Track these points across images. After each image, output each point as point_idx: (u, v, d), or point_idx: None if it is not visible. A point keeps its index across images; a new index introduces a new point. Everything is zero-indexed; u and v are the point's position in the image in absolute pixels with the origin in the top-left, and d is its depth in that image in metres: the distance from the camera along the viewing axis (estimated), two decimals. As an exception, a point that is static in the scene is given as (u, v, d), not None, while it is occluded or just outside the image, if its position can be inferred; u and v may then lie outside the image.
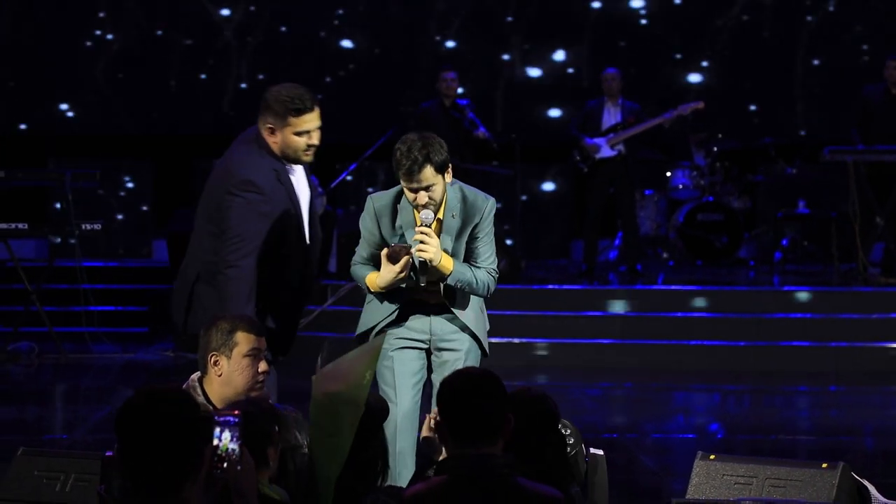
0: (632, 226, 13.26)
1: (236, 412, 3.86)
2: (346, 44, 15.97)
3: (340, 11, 15.95)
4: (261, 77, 15.86)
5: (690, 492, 5.18)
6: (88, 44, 15.90)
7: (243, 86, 15.95)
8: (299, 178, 5.66)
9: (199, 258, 5.63)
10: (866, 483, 5.09)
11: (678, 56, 15.98)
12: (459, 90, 13.15)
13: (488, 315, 5.81)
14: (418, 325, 5.61)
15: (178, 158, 16.01)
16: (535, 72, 15.98)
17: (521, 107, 15.84)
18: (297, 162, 5.60)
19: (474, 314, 5.63)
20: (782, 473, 5.07)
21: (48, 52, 15.83)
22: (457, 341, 5.61)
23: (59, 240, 12.23)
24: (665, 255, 14.47)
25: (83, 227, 11.93)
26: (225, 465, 3.78)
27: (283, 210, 5.53)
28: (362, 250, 5.59)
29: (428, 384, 5.69)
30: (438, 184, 5.42)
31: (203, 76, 16.03)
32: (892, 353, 11.41)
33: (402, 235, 5.52)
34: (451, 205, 5.52)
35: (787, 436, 9.14)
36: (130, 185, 16.04)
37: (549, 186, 16.23)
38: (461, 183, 5.64)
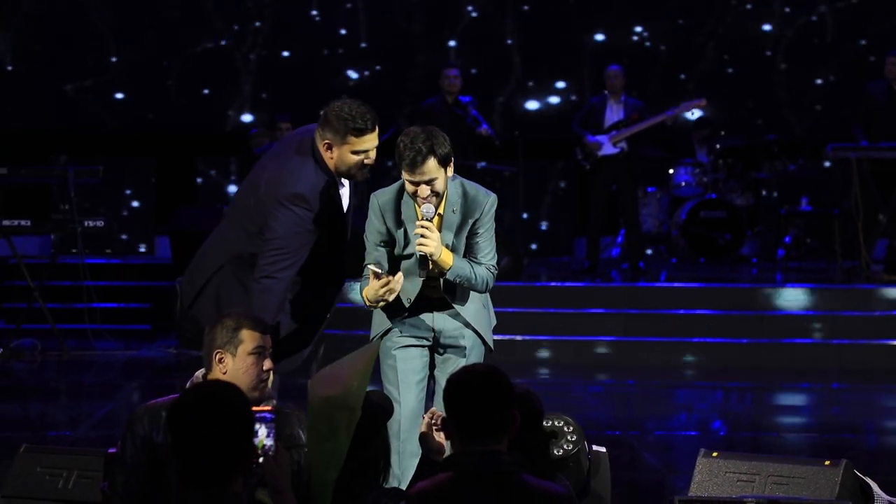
0: (634, 223, 13.25)
1: (271, 408, 3.90)
2: (346, 44, 15.99)
3: (349, 5, 15.95)
4: (263, 77, 15.86)
5: (693, 489, 5.18)
6: (92, 41, 15.90)
7: (248, 85, 15.95)
8: (345, 191, 5.66)
9: (227, 249, 5.61)
10: (869, 480, 5.09)
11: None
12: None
13: (494, 315, 5.80)
14: (421, 322, 5.60)
15: (181, 156, 16.01)
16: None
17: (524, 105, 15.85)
18: (350, 178, 5.59)
19: (475, 309, 5.62)
20: (785, 471, 5.07)
21: (51, 50, 15.83)
22: (460, 338, 5.60)
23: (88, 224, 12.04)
24: (667, 253, 14.46)
25: (86, 223, 11.92)
26: (261, 459, 3.82)
27: (328, 227, 5.53)
28: (368, 259, 5.57)
29: (430, 381, 5.69)
30: (440, 177, 5.40)
31: (205, 75, 16.02)
32: (894, 351, 11.40)
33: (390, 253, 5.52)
34: (452, 200, 5.51)
35: (790, 433, 9.14)
36: (133, 182, 16.04)
37: (551, 184, 16.23)
38: (462, 178, 5.64)
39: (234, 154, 15.47)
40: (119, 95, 15.93)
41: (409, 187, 5.42)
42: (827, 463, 5.03)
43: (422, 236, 5.37)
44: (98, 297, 12.18)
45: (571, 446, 4.74)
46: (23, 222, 11.87)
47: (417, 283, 5.52)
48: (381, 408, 4.60)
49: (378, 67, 15.85)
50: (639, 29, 15.98)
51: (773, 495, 4.92)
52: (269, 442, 3.88)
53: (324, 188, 5.50)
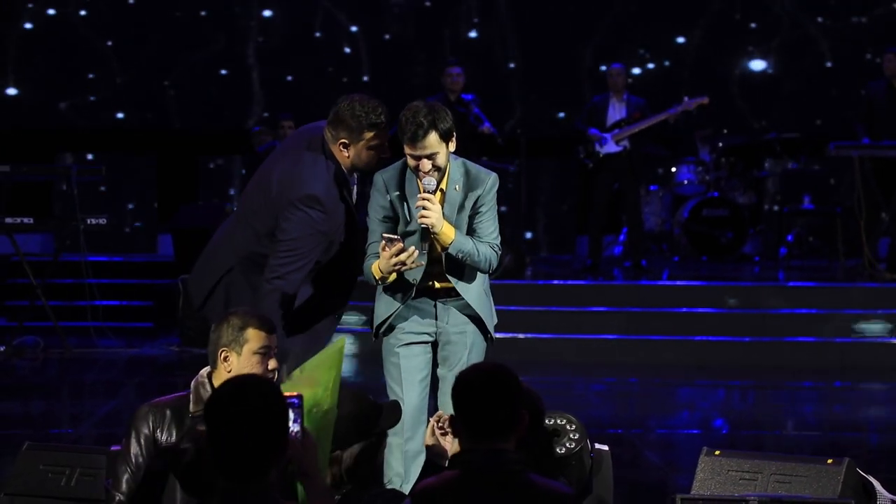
0: (636, 221, 13.25)
1: (297, 393, 3.94)
2: (349, 43, 15.99)
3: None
4: (265, 77, 15.87)
5: (695, 487, 5.18)
6: (94, 39, 15.90)
7: (253, 83, 15.96)
8: (353, 188, 5.66)
9: (237, 250, 5.59)
10: (871, 479, 5.09)
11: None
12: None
13: (495, 311, 5.80)
14: (424, 317, 5.60)
15: (183, 154, 16.02)
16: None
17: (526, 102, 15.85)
18: (362, 173, 5.59)
19: (477, 293, 5.58)
20: (787, 469, 5.07)
21: (53, 48, 15.84)
22: (463, 335, 5.59)
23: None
24: (670, 251, 14.46)
25: (88, 221, 11.93)
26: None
27: (340, 228, 5.52)
28: (371, 239, 5.56)
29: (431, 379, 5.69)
30: (442, 152, 5.40)
31: (208, 73, 16.03)
32: (897, 349, 11.42)
33: (395, 229, 5.51)
34: (454, 178, 5.51)
35: (792, 431, 9.14)
36: (135, 180, 16.05)
37: (553, 182, 16.23)
38: (464, 159, 5.64)
39: (236, 152, 15.48)
40: (121, 95, 15.94)
41: (411, 161, 5.41)
42: (829, 461, 5.03)
43: (423, 208, 5.36)
44: (100, 294, 12.18)
45: (574, 444, 4.74)
46: (25, 220, 11.87)
47: (422, 260, 5.47)
48: (366, 416, 4.57)
49: (379, 67, 15.87)
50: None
51: (775, 493, 4.92)
52: (295, 426, 3.92)
53: (337, 188, 5.49)
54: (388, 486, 4.78)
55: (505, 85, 15.94)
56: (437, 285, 5.57)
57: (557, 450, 4.72)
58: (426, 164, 5.38)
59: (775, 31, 15.98)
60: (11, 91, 15.91)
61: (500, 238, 5.57)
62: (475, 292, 5.58)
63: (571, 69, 15.88)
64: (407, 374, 5.57)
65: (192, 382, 4.67)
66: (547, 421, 4.69)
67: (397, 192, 5.50)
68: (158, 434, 4.52)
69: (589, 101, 13.40)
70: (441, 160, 5.40)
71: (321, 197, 5.43)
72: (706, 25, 15.97)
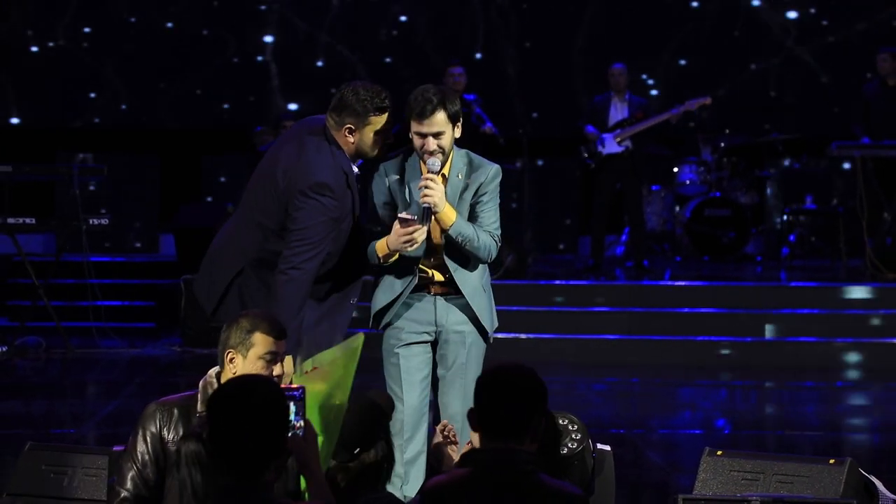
0: (638, 221, 13.25)
1: (300, 386, 3.99)
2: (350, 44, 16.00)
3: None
4: (266, 76, 15.87)
5: (697, 487, 5.18)
6: (96, 38, 15.91)
7: (255, 81, 15.97)
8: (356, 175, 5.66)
9: (245, 251, 5.55)
10: (873, 479, 5.09)
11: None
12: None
13: (496, 313, 5.79)
14: (423, 316, 5.59)
15: (185, 154, 16.02)
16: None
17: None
18: (366, 158, 5.58)
19: (474, 285, 5.56)
20: (789, 469, 5.06)
21: (54, 47, 15.84)
22: (460, 334, 5.58)
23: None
24: (672, 251, 14.46)
25: (90, 221, 11.93)
26: (290, 435, 3.86)
27: (349, 215, 5.51)
28: (374, 225, 5.57)
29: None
30: (448, 133, 5.42)
31: (210, 72, 16.04)
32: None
33: (410, 202, 5.50)
34: (457, 165, 5.53)
35: (794, 431, 9.13)
36: (137, 180, 16.05)
37: (555, 182, 16.23)
38: (468, 150, 5.65)
39: (239, 152, 15.49)
40: (123, 95, 15.95)
41: (417, 141, 5.43)
42: (831, 461, 5.03)
43: (426, 188, 5.37)
44: (102, 294, 12.18)
45: (576, 445, 4.74)
46: (27, 220, 11.88)
47: (422, 247, 5.48)
48: (381, 408, 4.58)
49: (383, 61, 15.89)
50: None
51: (777, 494, 4.92)
52: (298, 420, 3.92)
53: (343, 175, 5.48)
54: (388, 488, 4.77)
55: (505, 85, 15.94)
56: (437, 277, 5.57)
57: (559, 450, 4.72)
58: (431, 143, 5.39)
59: (775, 30, 15.98)
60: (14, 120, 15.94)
61: (500, 230, 5.57)
62: (472, 285, 5.56)
63: (572, 69, 15.89)
64: (406, 375, 5.57)
65: (201, 382, 4.66)
66: (548, 421, 4.69)
67: (397, 177, 5.52)
68: (165, 433, 4.52)
69: (591, 102, 13.39)
70: (446, 141, 5.42)
71: (331, 183, 5.42)
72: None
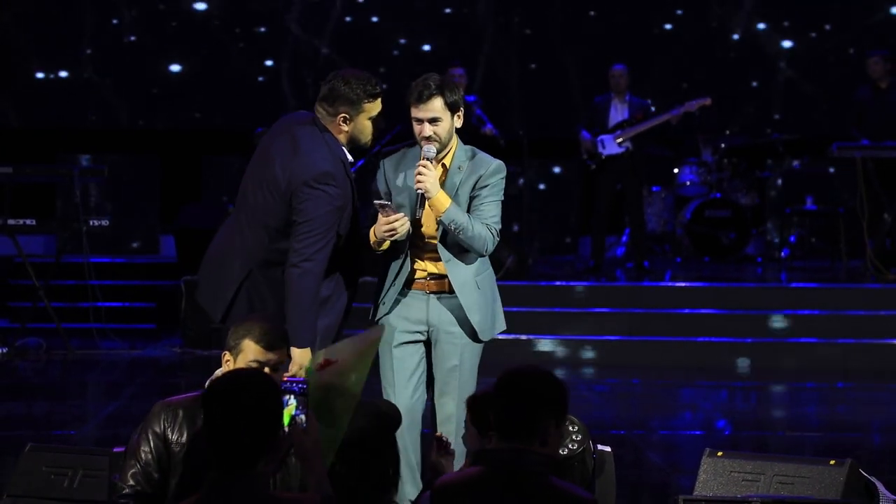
0: (639, 222, 13.25)
1: (303, 379, 4.02)
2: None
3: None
4: (268, 74, 15.88)
5: (698, 488, 5.18)
6: (97, 37, 15.91)
7: (260, 79, 15.96)
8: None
9: (251, 254, 5.52)
10: (874, 480, 5.09)
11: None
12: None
13: (500, 317, 5.75)
14: (416, 314, 5.58)
15: (186, 154, 16.02)
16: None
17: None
18: (359, 146, 5.59)
19: (464, 279, 5.53)
20: (790, 470, 5.07)
21: (54, 47, 15.84)
22: (451, 335, 5.56)
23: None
24: (672, 252, 14.46)
25: (91, 222, 11.93)
26: (288, 429, 3.93)
27: (349, 202, 5.52)
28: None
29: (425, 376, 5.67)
30: (445, 120, 5.45)
31: (211, 72, 16.04)
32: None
33: (389, 194, 5.52)
34: (459, 157, 5.55)
35: (795, 432, 9.13)
36: (138, 180, 16.05)
37: (556, 182, 16.23)
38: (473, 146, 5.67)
39: (239, 153, 15.48)
40: (125, 92, 15.95)
41: (415, 127, 5.47)
42: (832, 462, 5.03)
43: (418, 174, 5.38)
44: (103, 296, 12.18)
45: (576, 446, 4.74)
46: (28, 221, 11.88)
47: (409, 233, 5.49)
48: (390, 417, 4.57)
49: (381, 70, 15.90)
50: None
51: (777, 495, 4.92)
52: (298, 412, 3.94)
53: (341, 164, 5.49)
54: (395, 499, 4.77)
55: (506, 86, 15.95)
56: (430, 269, 5.55)
57: (560, 451, 4.72)
58: (427, 129, 5.43)
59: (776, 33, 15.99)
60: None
61: (500, 225, 5.54)
62: (464, 279, 5.52)
63: (570, 70, 15.90)
64: (399, 375, 5.56)
65: (207, 382, 4.65)
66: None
67: (394, 168, 5.56)
68: (170, 433, 4.52)
69: (591, 103, 13.39)
70: (442, 128, 5.45)
71: (333, 172, 5.42)
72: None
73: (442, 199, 5.41)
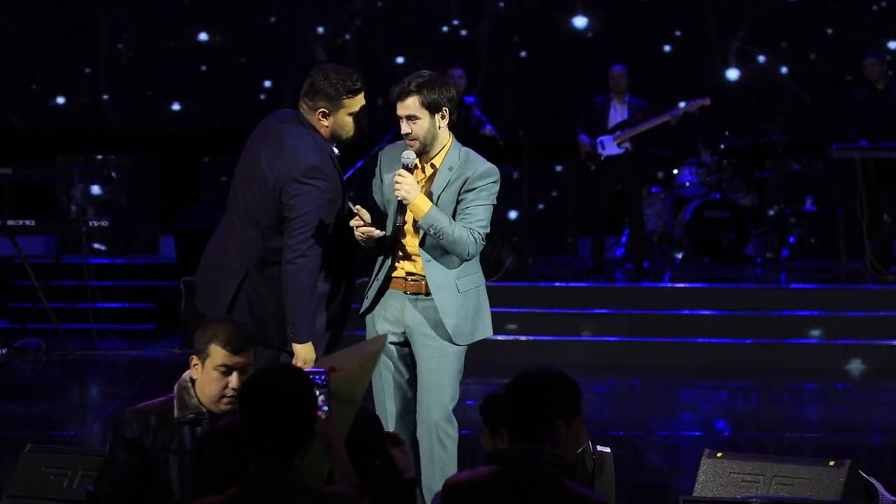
0: (639, 223, 13.25)
1: (324, 370, 4.10)
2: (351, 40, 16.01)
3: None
4: (267, 76, 15.88)
5: (697, 489, 5.18)
6: (97, 38, 15.91)
7: (255, 82, 15.97)
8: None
9: (247, 254, 5.50)
10: (873, 481, 5.09)
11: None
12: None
13: (492, 313, 5.74)
14: (394, 315, 5.56)
15: (186, 155, 16.02)
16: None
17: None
18: (342, 142, 5.58)
19: (442, 282, 5.48)
20: (789, 471, 5.07)
21: (54, 47, 15.84)
22: (426, 336, 5.52)
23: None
24: (672, 253, 14.46)
25: (91, 223, 11.92)
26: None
27: (340, 194, 5.52)
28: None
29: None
30: (423, 119, 5.44)
31: (212, 72, 16.04)
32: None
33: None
34: (451, 158, 5.54)
35: (794, 433, 9.13)
36: (137, 181, 16.05)
37: (556, 183, 16.23)
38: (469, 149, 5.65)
39: (239, 153, 15.47)
40: (125, 95, 15.95)
41: (401, 125, 5.49)
42: (831, 463, 5.03)
43: (396, 182, 5.39)
44: (102, 296, 12.18)
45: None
46: (27, 222, 11.87)
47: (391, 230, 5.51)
48: (375, 428, 4.56)
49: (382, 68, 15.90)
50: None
51: (777, 496, 4.92)
52: (324, 406, 4.01)
53: (328, 157, 5.48)
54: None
55: (506, 86, 15.95)
56: (409, 268, 5.53)
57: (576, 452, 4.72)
58: (404, 126, 5.44)
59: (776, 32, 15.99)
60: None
61: (487, 230, 5.49)
62: (441, 281, 5.48)
63: (570, 70, 15.90)
64: (382, 379, 5.55)
65: (175, 386, 4.60)
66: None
67: (388, 160, 5.57)
68: (145, 439, 4.47)
69: (591, 104, 13.39)
70: (419, 127, 5.44)
71: (320, 166, 5.42)
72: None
73: (420, 205, 5.39)
